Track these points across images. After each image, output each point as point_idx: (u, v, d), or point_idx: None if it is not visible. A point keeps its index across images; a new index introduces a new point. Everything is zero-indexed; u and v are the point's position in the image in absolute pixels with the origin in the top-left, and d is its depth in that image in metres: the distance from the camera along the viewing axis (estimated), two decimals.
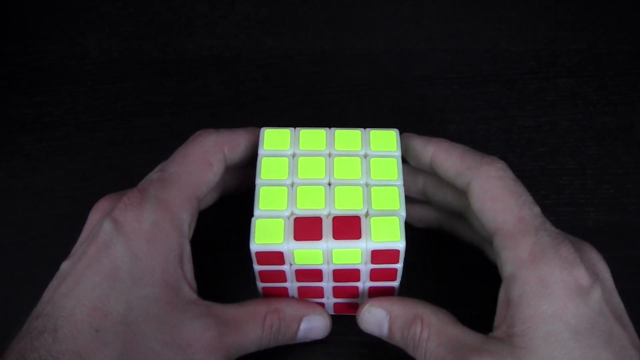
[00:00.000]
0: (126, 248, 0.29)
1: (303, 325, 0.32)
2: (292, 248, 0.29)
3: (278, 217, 0.30)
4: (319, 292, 0.33)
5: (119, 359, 0.27)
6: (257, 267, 0.31)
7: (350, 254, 0.30)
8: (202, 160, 0.33)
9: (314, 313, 0.33)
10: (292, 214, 0.30)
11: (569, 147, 0.44)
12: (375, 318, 0.31)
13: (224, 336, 0.30)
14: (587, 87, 0.48)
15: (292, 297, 0.33)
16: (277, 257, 0.30)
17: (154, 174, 0.32)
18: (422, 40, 0.51)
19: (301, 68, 0.49)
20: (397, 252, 0.30)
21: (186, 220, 0.32)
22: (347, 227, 0.29)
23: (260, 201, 0.30)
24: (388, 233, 0.29)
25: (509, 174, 0.32)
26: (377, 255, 0.30)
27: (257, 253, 0.30)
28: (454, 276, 0.37)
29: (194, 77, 0.49)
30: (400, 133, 0.34)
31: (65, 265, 0.30)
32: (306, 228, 0.30)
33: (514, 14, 0.53)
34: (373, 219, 0.30)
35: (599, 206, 0.41)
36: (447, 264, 0.38)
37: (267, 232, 0.29)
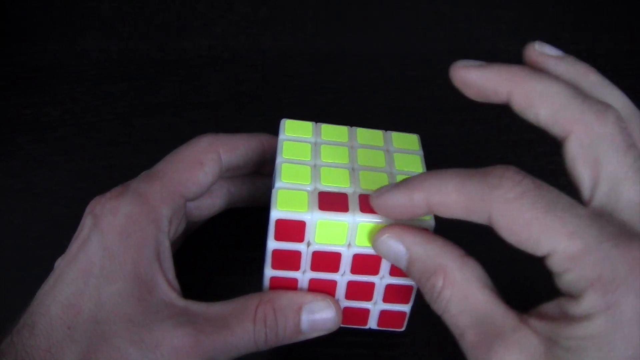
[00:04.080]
0: (100, 242, 0.29)
1: (305, 316, 0.29)
2: (316, 218, 0.27)
3: (301, 189, 0.28)
4: (331, 289, 0.30)
5: (83, 356, 0.26)
6: (272, 245, 0.28)
7: (377, 231, 0.28)
8: (192, 159, 0.32)
9: (315, 300, 0.30)
10: (316, 189, 0.29)
11: None
12: (392, 251, 0.28)
13: (203, 336, 0.27)
14: None
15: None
16: (298, 229, 0.28)
17: (143, 172, 0.32)
18: (421, 40, 0.51)
19: (300, 68, 0.49)
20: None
21: (165, 215, 0.30)
22: None
23: (282, 174, 0.29)
24: None
25: (617, 130, 0.25)
26: None
27: (278, 222, 0.28)
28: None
29: (193, 78, 0.49)
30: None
31: (56, 263, 0.30)
32: (332, 200, 0.28)
33: (513, 15, 0.53)
34: None
35: None
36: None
37: (290, 201, 0.28)
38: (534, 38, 0.52)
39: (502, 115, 0.46)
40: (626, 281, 0.22)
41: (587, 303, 0.23)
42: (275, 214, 0.27)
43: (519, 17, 0.53)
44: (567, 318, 0.23)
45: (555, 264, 0.24)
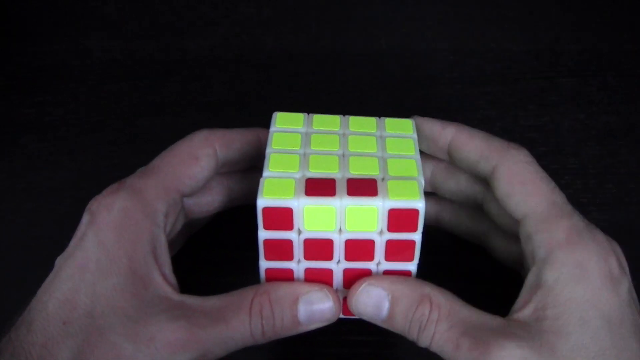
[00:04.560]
0: (95, 238, 0.29)
1: (302, 307, 0.29)
2: (302, 204, 0.27)
3: (288, 177, 0.28)
4: (328, 279, 0.30)
5: (79, 351, 0.26)
6: (263, 235, 0.28)
7: (365, 214, 0.27)
8: (188, 154, 0.32)
9: (312, 290, 0.29)
10: (303, 175, 0.29)
11: (571, 147, 0.44)
12: (373, 299, 0.29)
13: (198, 329, 0.27)
14: (589, 86, 0.48)
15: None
16: (286, 216, 0.28)
17: (139, 169, 0.32)
18: (424, 40, 0.51)
19: (303, 68, 0.49)
20: (416, 213, 0.27)
21: (161, 210, 0.30)
22: (363, 186, 0.28)
23: (269, 164, 0.29)
24: (407, 192, 0.27)
25: (535, 161, 0.32)
26: (395, 218, 0.28)
27: (265, 210, 0.27)
28: (455, 276, 0.37)
29: (196, 78, 0.49)
30: None
31: (56, 261, 0.30)
32: (319, 185, 0.28)
33: (516, 14, 0.53)
34: (390, 181, 0.28)
35: (601, 206, 0.41)
36: (448, 263, 0.38)
37: (277, 189, 0.28)
38: (537, 37, 0.53)
39: (504, 116, 0.46)
40: (590, 243, 0.28)
41: (558, 264, 0.28)
42: (262, 202, 0.27)
43: (521, 16, 0.53)
44: (542, 288, 0.28)
45: (529, 224, 0.29)
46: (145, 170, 0.32)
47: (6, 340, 0.27)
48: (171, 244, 0.32)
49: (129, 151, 0.44)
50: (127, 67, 0.49)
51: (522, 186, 0.30)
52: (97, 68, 0.49)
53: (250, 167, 0.35)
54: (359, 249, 0.29)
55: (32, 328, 0.27)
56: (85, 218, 0.30)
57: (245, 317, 0.28)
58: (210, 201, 0.35)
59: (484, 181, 0.33)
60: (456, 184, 0.35)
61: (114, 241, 0.29)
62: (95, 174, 0.42)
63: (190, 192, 0.32)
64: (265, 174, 0.29)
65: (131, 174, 0.32)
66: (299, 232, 0.28)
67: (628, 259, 0.30)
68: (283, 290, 0.29)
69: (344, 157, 0.30)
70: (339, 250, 0.29)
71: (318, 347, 0.34)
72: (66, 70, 0.49)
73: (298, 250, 0.29)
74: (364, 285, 0.29)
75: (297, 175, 0.29)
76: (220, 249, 0.38)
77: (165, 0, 0.54)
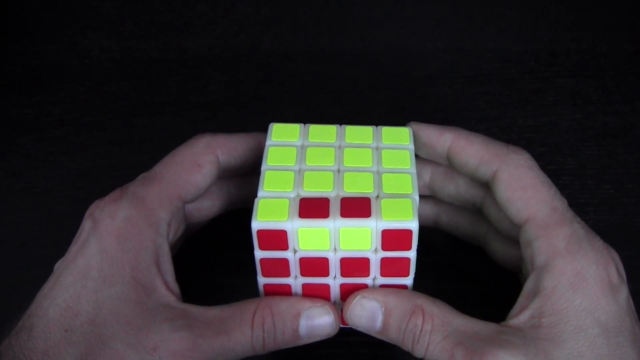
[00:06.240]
0: (98, 245, 0.29)
1: (303, 321, 0.29)
2: (296, 226, 0.27)
3: (283, 197, 0.28)
4: (325, 292, 0.30)
5: (81, 359, 0.26)
6: (259, 254, 0.29)
7: (359, 235, 0.28)
8: (190, 161, 0.32)
9: (314, 306, 0.30)
10: (298, 195, 0.29)
11: (569, 147, 0.44)
12: (367, 311, 0.29)
13: (201, 339, 0.27)
14: (587, 86, 0.48)
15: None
16: (280, 238, 0.28)
17: (141, 175, 0.32)
18: (422, 40, 0.51)
19: (301, 68, 0.49)
20: (409, 233, 0.28)
21: (164, 219, 0.30)
22: (356, 206, 0.28)
23: (264, 183, 0.29)
24: (400, 212, 0.28)
25: (536, 164, 0.31)
26: (388, 238, 0.28)
27: (259, 232, 0.28)
28: (454, 276, 0.37)
29: (194, 77, 0.49)
30: None
31: (56, 265, 0.30)
32: (312, 207, 0.28)
33: (514, 14, 0.53)
34: (384, 200, 0.28)
35: (599, 206, 0.41)
36: (447, 264, 0.38)
37: (271, 210, 0.28)
38: (535, 37, 0.53)
39: (502, 116, 0.46)
40: (589, 251, 0.28)
41: (556, 272, 0.28)
42: (256, 224, 0.28)
43: (519, 16, 0.53)
44: (540, 295, 0.28)
45: (529, 230, 0.29)
46: (147, 177, 0.32)
47: (6, 344, 0.27)
48: (170, 248, 0.32)
49: (128, 151, 0.44)
50: (126, 66, 0.49)
51: (523, 191, 0.30)
52: (95, 68, 0.49)
53: (250, 171, 0.35)
54: (354, 266, 0.29)
55: (32, 334, 0.27)
56: (87, 224, 0.30)
57: (247, 330, 0.28)
58: (210, 206, 0.35)
59: (484, 185, 0.33)
60: (455, 188, 0.35)
61: (117, 250, 0.29)
62: (93, 174, 0.42)
63: (192, 199, 0.32)
64: (260, 194, 0.29)
65: (130, 173, 0.32)
66: (294, 251, 0.29)
67: (626, 259, 0.30)
68: (285, 304, 0.29)
69: (338, 173, 0.30)
70: (334, 267, 0.29)
71: (315, 347, 0.34)
72: (65, 69, 0.49)
73: (294, 268, 0.29)
74: (357, 298, 0.29)
75: (292, 195, 0.29)
76: (217, 250, 0.38)
77: (164, 0, 0.54)
